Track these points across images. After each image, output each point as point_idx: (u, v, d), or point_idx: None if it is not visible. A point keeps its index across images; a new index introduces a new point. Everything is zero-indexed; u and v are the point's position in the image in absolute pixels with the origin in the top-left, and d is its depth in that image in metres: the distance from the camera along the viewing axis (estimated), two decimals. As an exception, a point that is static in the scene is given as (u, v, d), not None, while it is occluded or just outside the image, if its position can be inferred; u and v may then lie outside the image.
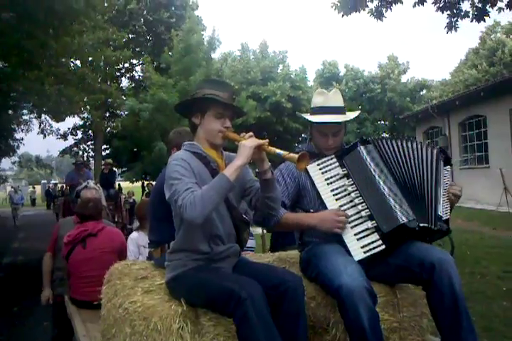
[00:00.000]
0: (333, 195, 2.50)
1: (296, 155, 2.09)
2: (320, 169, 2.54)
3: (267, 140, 2.14)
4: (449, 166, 2.71)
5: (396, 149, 2.59)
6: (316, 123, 2.60)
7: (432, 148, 2.67)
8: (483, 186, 16.95)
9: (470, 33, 25.77)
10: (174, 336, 1.98)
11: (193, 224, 2.03)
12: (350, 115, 2.68)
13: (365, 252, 2.39)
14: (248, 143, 2.10)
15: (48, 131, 22.04)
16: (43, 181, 52.73)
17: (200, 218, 1.98)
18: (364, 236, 2.42)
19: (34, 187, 46.41)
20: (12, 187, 27.88)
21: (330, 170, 2.54)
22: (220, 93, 2.28)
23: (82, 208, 4.06)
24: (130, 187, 21.22)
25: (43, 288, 4.15)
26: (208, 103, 2.28)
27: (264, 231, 6.10)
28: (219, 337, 2.05)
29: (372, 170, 2.51)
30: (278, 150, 2.15)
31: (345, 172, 2.52)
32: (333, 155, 2.56)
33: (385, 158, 2.56)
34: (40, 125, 21.15)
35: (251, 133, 2.18)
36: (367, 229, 2.43)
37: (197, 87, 2.42)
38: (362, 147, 2.57)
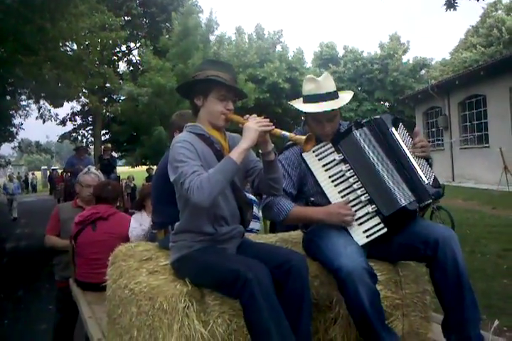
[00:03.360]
0: (332, 182, 2.48)
1: (303, 137, 2.08)
2: (316, 156, 2.51)
3: (273, 125, 2.12)
4: (400, 123, 2.60)
5: (382, 130, 2.54)
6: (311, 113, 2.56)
7: (377, 121, 2.58)
8: (483, 166, 16.99)
9: (471, 12, 25.44)
10: (180, 315, 2.00)
11: (200, 207, 2.03)
12: (345, 98, 2.58)
13: (367, 236, 2.39)
14: (254, 125, 2.08)
15: (47, 116, 21.89)
16: (43, 167, 52.75)
17: (207, 201, 1.99)
18: (365, 221, 2.42)
19: (34, 173, 46.49)
20: (9, 175, 23.95)
21: (326, 156, 2.51)
22: (223, 74, 2.25)
23: (100, 190, 4.06)
24: (130, 172, 21.26)
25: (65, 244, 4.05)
26: (211, 85, 2.24)
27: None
28: (224, 315, 2.07)
29: (368, 153, 2.48)
30: (284, 132, 2.14)
31: (342, 157, 2.49)
32: (328, 141, 2.53)
33: (379, 139, 2.52)
34: (38, 110, 21.04)
35: (255, 115, 2.16)
36: (367, 214, 2.42)
37: (199, 67, 2.38)
38: (356, 131, 2.52)
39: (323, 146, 2.53)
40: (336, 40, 76.75)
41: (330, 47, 36.56)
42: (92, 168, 6.50)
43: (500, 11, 31.56)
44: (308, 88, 2.56)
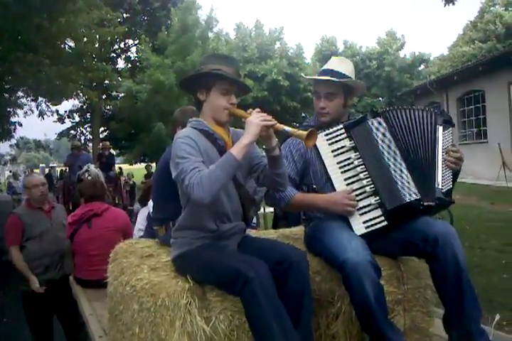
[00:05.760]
0: (339, 168, 2.45)
1: (305, 133, 2.03)
2: (327, 140, 2.47)
3: (275, 121, 2.09)
4: (451, 128, 2.60)
5: (404, 121, 2.51)
6: (315, 80, 2.63)
7: (431, 112, 2.58)
8: (482, 161, 16.96)
9: (469, 7, 25.42)
10: (182, 312, 2.00)
11: (200, 204, 2.01)
12: (349, 81, 2.56)
13: (366, 227, 2.39)
14: (256, 120, 2.05)
15: (46, 112, 21.71)
16: (41, 165, 52.59)
17: (207, 198, 1.96)
18: (367, 212, 2.41)
19: (32, 171, 46.30)
20: (11, 171, 22.31)
21: (337, 141, 2.47)
22: (226, 68, 2.22)
23: (92, 188, 4.10)
24: (130, 169, 21.22)
25: (29, 279, 4.05)
26: (214, 79, 2.21)
27: (266, 210, 6.13)
28: (226, 311, 2.07)
29: (380, 144, 2.46)
30: (286, 127, 2.11)
31: (353, 145, 2.45)
32: (342, 126, 2.48)
33: (393, 131, 2.48)
34: (37, 107, 20.89)
35: (258, 109, 2.13)
36: (370, 205, 2.41)
37: (202, 62, 2.35)
38: (372, 120, 2.49)
39: (336, 131, 2.48)
40: (337, 34, 76.74)
41: (330, 42, 36.46)
42: (92, 166, 6.49)
43: (497, 6, 31.46)
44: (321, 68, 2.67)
